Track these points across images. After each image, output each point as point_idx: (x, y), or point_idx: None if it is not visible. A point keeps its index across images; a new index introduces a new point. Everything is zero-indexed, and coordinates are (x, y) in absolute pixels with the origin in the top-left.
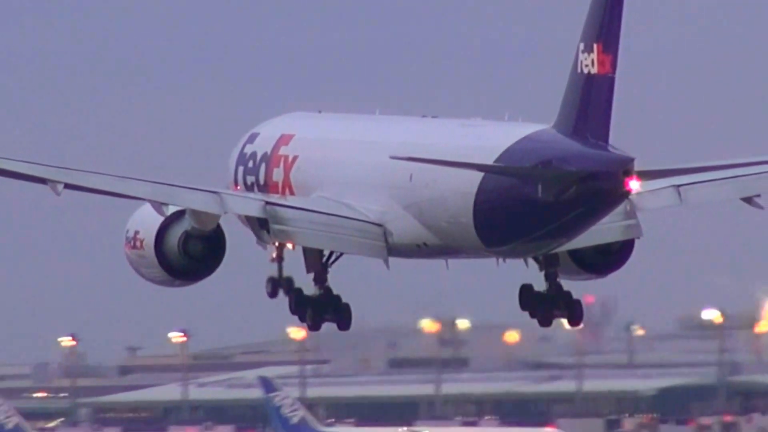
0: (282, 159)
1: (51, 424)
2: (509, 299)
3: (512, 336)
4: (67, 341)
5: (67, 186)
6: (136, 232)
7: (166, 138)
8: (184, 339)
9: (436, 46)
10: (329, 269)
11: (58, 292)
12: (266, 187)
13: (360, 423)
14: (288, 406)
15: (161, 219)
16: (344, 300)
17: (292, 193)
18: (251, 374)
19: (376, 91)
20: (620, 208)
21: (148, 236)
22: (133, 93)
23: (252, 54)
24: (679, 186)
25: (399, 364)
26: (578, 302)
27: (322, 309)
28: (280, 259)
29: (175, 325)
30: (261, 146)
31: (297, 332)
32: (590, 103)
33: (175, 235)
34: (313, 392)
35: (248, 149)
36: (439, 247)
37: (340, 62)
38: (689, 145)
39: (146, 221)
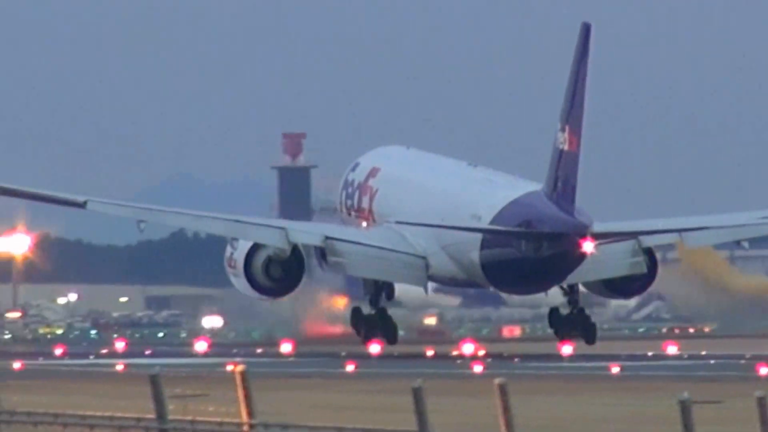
0: (369, 190)
1: None
2: None
3: None
4: None
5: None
6: (231, 253)
7: None
8: None
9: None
10: (383, 293)
11: None
12: (358, 212)
13: None
14: None
15: (250, 244)
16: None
17: (374, 220)
18: None
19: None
20: (629, 247)
21: (239, 258)
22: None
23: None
24: (680, 231)
25: None
26: (594, 325)
27: (374, 326)
28: None
29: None
30: (358, 175)
31: None
32: (562, 173)
33: (260, 259)
34: None
35: (350, 176)
36: (465, 281)
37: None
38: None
39: (240, 244)
